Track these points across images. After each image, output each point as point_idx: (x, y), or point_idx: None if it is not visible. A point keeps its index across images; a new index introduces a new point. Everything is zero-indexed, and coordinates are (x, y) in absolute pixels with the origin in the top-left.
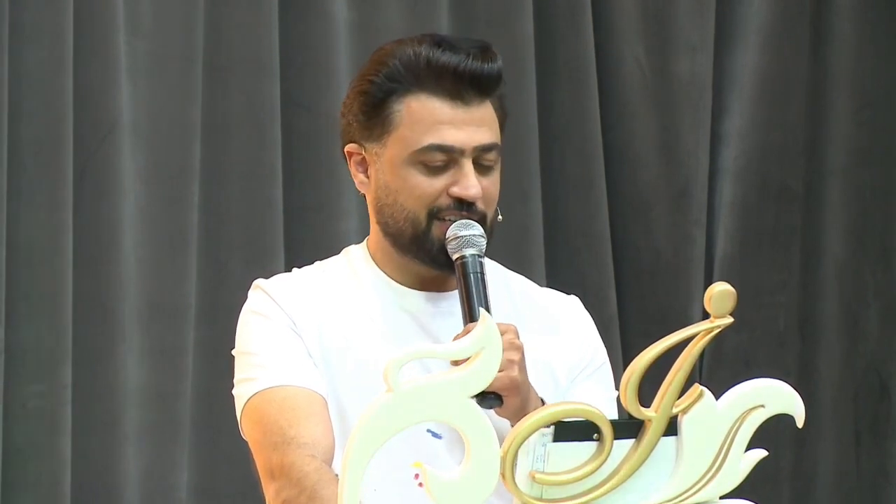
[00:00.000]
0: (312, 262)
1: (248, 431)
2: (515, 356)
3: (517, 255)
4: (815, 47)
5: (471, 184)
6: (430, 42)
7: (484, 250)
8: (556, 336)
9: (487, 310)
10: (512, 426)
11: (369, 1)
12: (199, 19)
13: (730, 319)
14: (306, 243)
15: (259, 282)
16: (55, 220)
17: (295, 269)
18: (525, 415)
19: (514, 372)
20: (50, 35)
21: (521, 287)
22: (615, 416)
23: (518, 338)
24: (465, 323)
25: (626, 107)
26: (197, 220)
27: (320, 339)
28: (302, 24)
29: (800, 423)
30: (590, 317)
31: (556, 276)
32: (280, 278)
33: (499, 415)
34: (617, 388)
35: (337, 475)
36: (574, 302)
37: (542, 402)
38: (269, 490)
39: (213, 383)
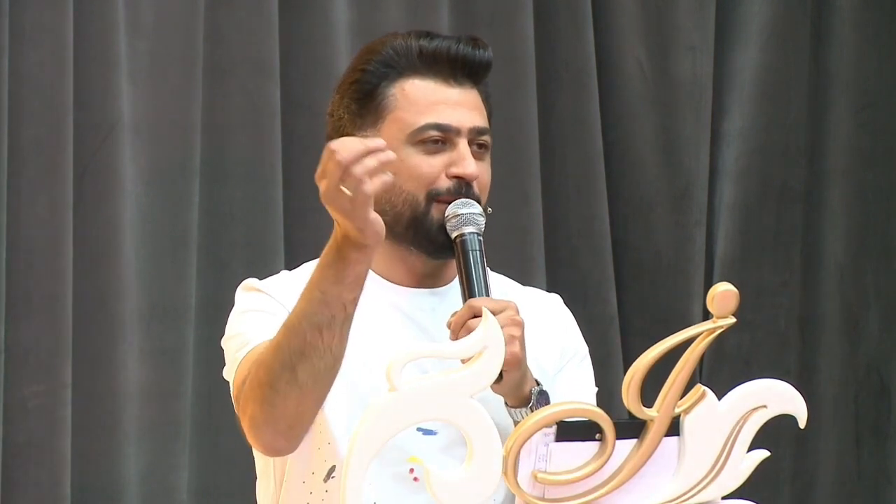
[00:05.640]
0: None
1: (235, 393)
2: (517, 332)
3: (517, 255)
4: (815, 47)
5: (469, 163)
6: (418, 34)
7: (483, 229)
8: (540, 331)
9: (486, 287)
10: (507, 403)
11: (369, 1)
12: (199, 20)
13: (732, 320)
14: (306, 243)
15: (251, 281)
16: (55, 220)
17: (283, 272)
18: (521, 391)
19: (515, 347)
20: (50, 35)
21: (504, 285)
22: None
23: (518, 314)
24: (464, 300)
25: (627, 107)
26: (197, 220)
27: None
28: (302, 24)
29: (802, 424)
30: (571, 314)
31: (556, 276)
32: (272, 278)
33: (495, 391)
34: (615, 388)
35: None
36: (556, 299)
37: (537, 383)
38: (241, 412)
39: (213, 383)
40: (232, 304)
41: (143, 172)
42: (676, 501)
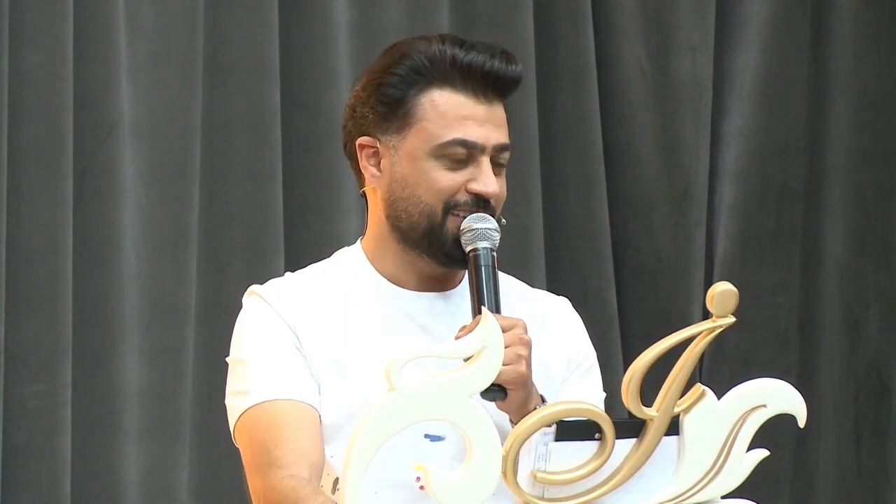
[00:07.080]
0: (307, 265)
1: (240, 448)
2: (524, 351)
3: (517, 255)
4: (815, 47)
5: (490, 181)
6: (452, 41)
7: (497, 245)
8: (549, 335)
9: (497, 304)
10: (512, 421)
11: (369, 1)
12: (199, 19)
13: (732, 319)
14: (306, 244)
15: (254, 288)
16: (55, 220)
17: (288, 274)
18: (526, 410)
19: (522, 367)
20: (50, 35)
21: (515, 287)
22: None
23: (527, 333)
24: (474, 315)
25: (627, 107)
26: (197, 220)
27: (319, 343)
28: (302, 24)
29: (802, 423)
30: (580, 318)
31: (556, 276)
32: (275, 283)
33: (499, 409)
34: (614, 388)
35: (316, 485)
36: (565, 303)
37: (543, 400)
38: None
39: (213, 383)
40: (232, 304)
41: (143, 172)
42: (676, 501)
